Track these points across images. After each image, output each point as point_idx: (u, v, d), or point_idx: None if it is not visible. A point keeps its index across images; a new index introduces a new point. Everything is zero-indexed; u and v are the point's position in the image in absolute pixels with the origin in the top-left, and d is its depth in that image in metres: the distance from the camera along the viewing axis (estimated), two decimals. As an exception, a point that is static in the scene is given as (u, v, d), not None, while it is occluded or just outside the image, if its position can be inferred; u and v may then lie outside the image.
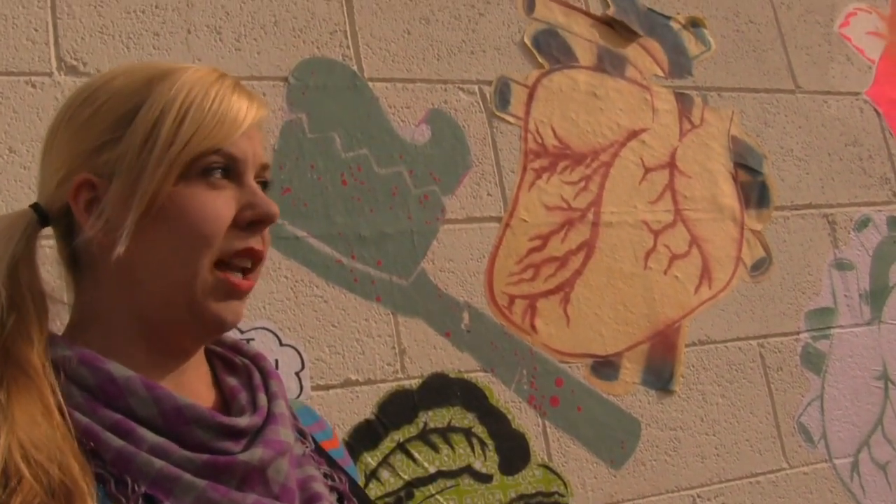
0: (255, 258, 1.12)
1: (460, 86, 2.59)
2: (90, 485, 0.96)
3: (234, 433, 1.07)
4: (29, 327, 1.05)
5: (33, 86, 2.11)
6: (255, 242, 1.11)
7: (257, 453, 1.05)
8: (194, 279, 1.07)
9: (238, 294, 1.11)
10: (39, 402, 0.99)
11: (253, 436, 1.09)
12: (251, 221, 1.11)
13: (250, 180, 1.12)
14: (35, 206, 1.14)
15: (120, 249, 1.06)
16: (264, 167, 1.16)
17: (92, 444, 0.99)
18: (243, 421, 1.08)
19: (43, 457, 0.95)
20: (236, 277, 1.10)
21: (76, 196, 1.10)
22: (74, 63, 2.16)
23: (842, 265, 2.99)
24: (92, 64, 2.17)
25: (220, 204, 1.09)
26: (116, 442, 1.00)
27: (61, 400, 1.00)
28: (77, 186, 1.10)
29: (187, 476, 1.00)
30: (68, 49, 2.16)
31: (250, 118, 1.12)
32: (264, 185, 1.16)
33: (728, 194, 2.87)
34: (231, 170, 1.11)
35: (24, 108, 2.09)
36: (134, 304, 1.10)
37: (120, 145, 1.09)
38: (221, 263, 1.09)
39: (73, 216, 1.11)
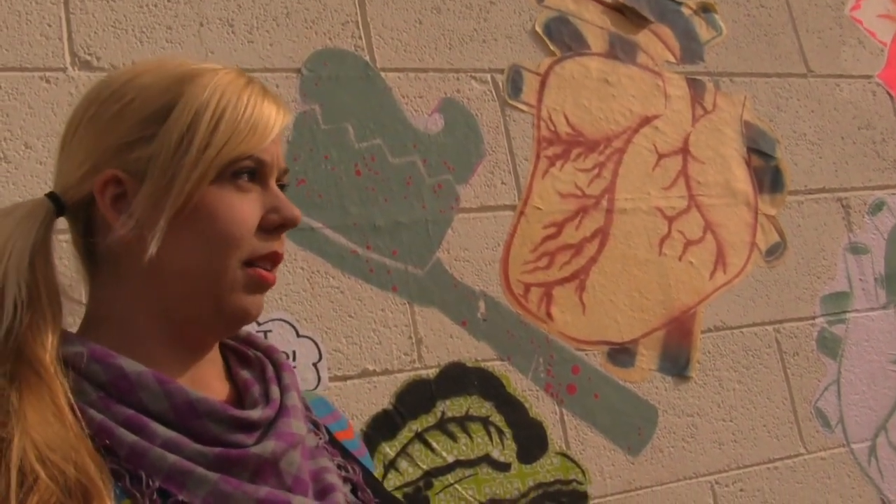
0: (277, 261, 1.15)
1: (472, 74, 2.59)
2: (107, 483, 0.97)
3: (247, 426, 1.08)
4: (42, 325, 1.06)
5: (47, 81, 2.12)
6: (278, 246, 1.14)
7: (269, 446, 1.06)
8: (222, 276, 1.10)
9: (265, 287, 1.14)
10: (51, 403, 1.00)
11: (266, 428, 1.10)
12: (277, 226, 1.13)
13: (273, 184, 1.15)
14: (51, 196, 1.14)
15: (153, 250, 1.07)
16: (285, 171, 1.19)
17: (107, 441, 1.00)
18: (255, 413, 1.09)
19: (58, 457, 0.96)
20: (265, 271, 1.13)
21: (103, 191, 1.11)
22: (88, 58, 2.17)
23: (856, 249, 2.98)
24: (105, 59, 2.18)
25: (247, 207, 1.11)
26: (130, 437, 1.01)
27: (72, 399, 1.01)
28: (105, 182, 1.11)
29: (200, 469, 1.01)
30: (82, 44, 2.17)
31: (279, 124, 1.15)
32: (282, 188, 1.18)
33: (741, 179, 2.86)
34: (257, 174, 1.13)
35: (39, 103, 2.10)
36: (159, 302, 1.11)
37: (152, 144, 1.10)
38: (248, 263, 1.11)
39: (91, 209, 1.13)
